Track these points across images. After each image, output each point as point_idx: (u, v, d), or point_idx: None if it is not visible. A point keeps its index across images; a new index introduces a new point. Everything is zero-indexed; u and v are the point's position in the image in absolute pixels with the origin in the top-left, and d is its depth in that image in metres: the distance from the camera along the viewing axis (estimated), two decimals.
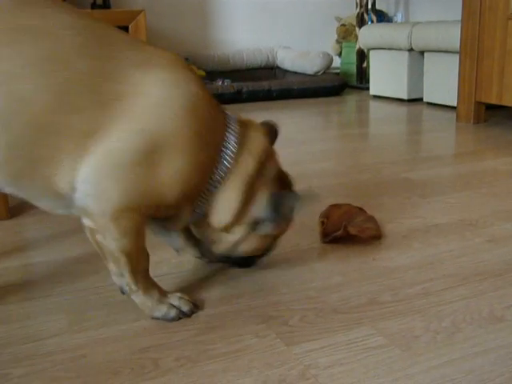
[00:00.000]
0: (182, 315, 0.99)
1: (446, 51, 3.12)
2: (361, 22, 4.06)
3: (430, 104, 3.39)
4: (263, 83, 3.78)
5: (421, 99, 3.49)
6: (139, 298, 0.99)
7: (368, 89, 3.95)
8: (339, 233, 1.27)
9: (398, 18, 4.33)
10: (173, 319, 0.98)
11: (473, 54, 2.70)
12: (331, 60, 4.10)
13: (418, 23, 3.38)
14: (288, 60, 4.25)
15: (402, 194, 1.64)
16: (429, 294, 1.05)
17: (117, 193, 0.88)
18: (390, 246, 1.28)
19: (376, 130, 2.82)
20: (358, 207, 1.38)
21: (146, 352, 0.89)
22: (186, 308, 1.00)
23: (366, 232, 1.29)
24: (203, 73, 3.94)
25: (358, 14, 4.08)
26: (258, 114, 3.27)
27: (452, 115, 2.95)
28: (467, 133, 2.58)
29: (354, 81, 4.21)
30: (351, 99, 3.85)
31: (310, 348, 0.89)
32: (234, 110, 1.06)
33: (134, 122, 0.86)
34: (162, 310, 0.99)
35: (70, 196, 0.89)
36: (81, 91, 0.84)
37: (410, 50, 3.42)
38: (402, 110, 3.28)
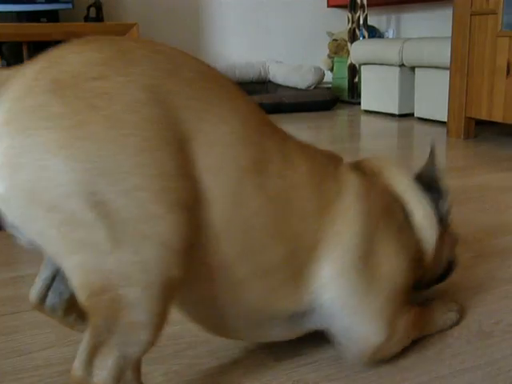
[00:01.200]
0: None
1: (437, 67, 3.15)
2: (353, 37, 4.10)
3: (420, 119, 3.42)
4: (255, 97, 3.79)
5: (412, 114, 3.51)
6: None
7: (359, 103, 3.97)
8: None
9: (390, 33, 4.37)
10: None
11: (463, 70, 2.73)
12: (323, 75, 4.12)
13: (409, 39, 3.41)
14: (280, 74, 4.27)
15: None
16: None
17: (387, 308, 0.83)
18: None
19: (367, 145, 2.83)
20: None
21: None
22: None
23: None
24: None
25: (350, 29, 4.11)
26: None
27: (442, 130, 2.98)
28: (457, 148, 2.60)
29: (345, 95, 4.23)
30: (343, 114, 3.87)
31: (298, 363, 0.89)
32: None
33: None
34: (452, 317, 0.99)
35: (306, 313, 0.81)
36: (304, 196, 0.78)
37: (401, 65, 3.45)
38: (392, 125, 3.30)
